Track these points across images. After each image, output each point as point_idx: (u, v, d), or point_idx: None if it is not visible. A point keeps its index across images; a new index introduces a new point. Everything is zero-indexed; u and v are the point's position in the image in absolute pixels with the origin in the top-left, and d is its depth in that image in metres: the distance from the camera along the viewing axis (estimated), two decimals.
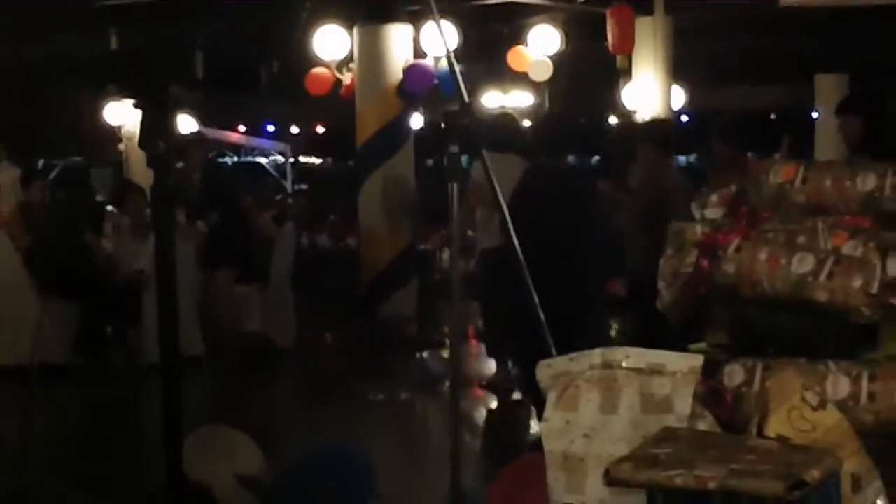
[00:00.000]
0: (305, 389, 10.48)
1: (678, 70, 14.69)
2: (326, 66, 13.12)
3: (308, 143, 27.25)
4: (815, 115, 16.85)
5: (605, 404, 3.08)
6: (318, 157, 29.24)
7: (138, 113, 3.08)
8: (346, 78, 13.21)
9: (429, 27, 12.26)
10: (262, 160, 27.65)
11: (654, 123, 10.54)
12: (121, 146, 16.54)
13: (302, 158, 27.30)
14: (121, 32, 14.91)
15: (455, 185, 6.79)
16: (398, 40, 12.97)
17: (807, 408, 3.03)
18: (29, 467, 7.57)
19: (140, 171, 14.04)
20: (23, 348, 10.41)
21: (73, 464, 7.69)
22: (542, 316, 4.45)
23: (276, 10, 13.35)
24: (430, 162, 18.12)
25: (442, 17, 10.60)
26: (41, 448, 8.13)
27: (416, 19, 12.81)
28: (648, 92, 14.14)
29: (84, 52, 15.31)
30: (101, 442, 8.28)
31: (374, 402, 9.38)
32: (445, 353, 10.04)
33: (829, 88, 16.18)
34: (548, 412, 3.14)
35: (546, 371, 3.19)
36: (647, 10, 14.15)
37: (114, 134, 16.63)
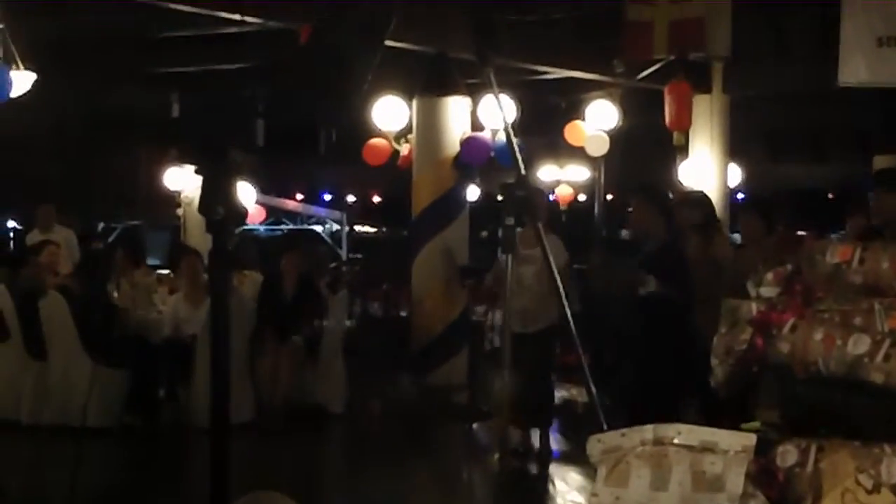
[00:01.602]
0: (354, 455, 10.46)
1: (735, 147, 14.66)
2: (384, 136, 13.23)
3: (363, 212, 27.39)
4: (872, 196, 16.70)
5: (656, 481, 3.05)
6: (372, 225, 29.36)
7: (198, 178, 3.11)
8: (404, 148, 13.30)
9: (487, 100, 12.34)
10: (318, 228, 27.81)
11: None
12: (179, 211, 16.71)
13: (357, 227, 27.43)
14: (182, 97, 15.14)
15: (510, 257, 6.81)
16: (456, 112, 13.05)
17: (861, 491, 2.99)
18: None
19: (197, 237, 14.16)
20: (74, 408, 10.49)
21: None
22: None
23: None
24: (484, 233, 18.15)
25: (500, 90, 10.70)
26: None
27: (474, 92, 12.90)
28: (705, 168, 14.11)
29: (145, 116, 15.54)
30: (150, 500, 8.29)
31: (419, 467, 9.35)
32: (493, 424, 10.00)
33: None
34: (597, 487, 3.12)
35: (597, 446, 3.17)
36: (706, 87, 14.15)
37: (172, 198, 16.80)
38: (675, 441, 3.07)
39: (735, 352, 3.46)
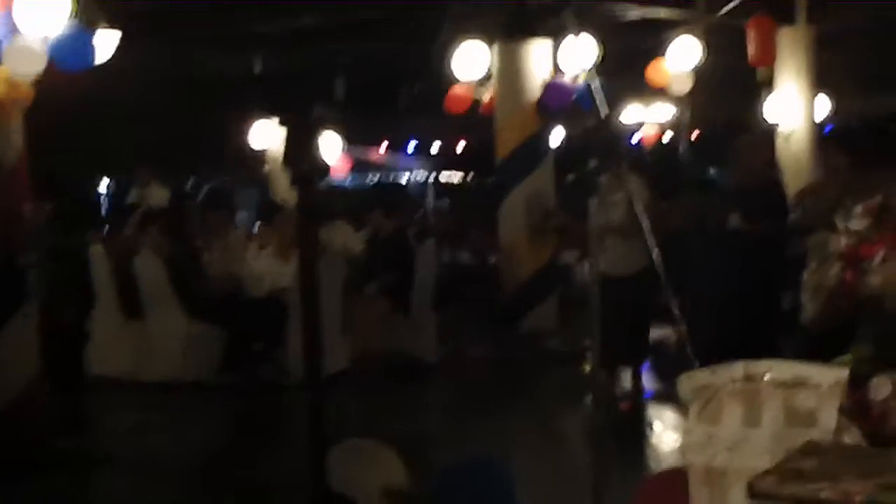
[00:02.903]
0: (447, 404, 10.54)
1: (823, 80, 14.38)
2: (466, 83, 13.21)
3: (448, 160, 27.33)
4: None
5: (748, 417, 3.05)
6: (458, 173, 29.30)
7: (282, 133, 3.14)
8: (486, 95, 13.28)
9: (568, 43, 12.26)
10: (404, 178, 27.83)
11: None
12: (265, 167, 16.85)
13: (442, 176, 27.40)
14: (265, 57, 15.20)
15: (595, 200, 6.78)
16: (537, 57, 13.00)
17: None
18: (179, 480, 7.77)
19: (284, 191, 14.27)
20: (172, 365, 10.68)
21: (222, 477, 7.84)
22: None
23: (416, 29, 13.47)
24: (570, 177, 18.05)
25: (581, 32, 10.64)
26: (190, 461, 8.34)
27: (554, 35, 12.82)
28: (791, 104, 13.88)
29: (230, 75, 15.64)
30: (249, 455, 8.41)
31: (516, 414, 9.39)
32: (587, 367, 10.00)
33: None
34: (690, 425, 3.12)
35: (687, 383, 3.17)
36: (790, 19, 13.88)
37: (259, 155, 16.94)
38: (767, 377, 3.05)
39: (825, 287, 3.43)
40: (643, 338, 10.24)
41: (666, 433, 8.53)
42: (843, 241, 3.46)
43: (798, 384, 3.03)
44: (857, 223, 3.58)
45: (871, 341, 3.48)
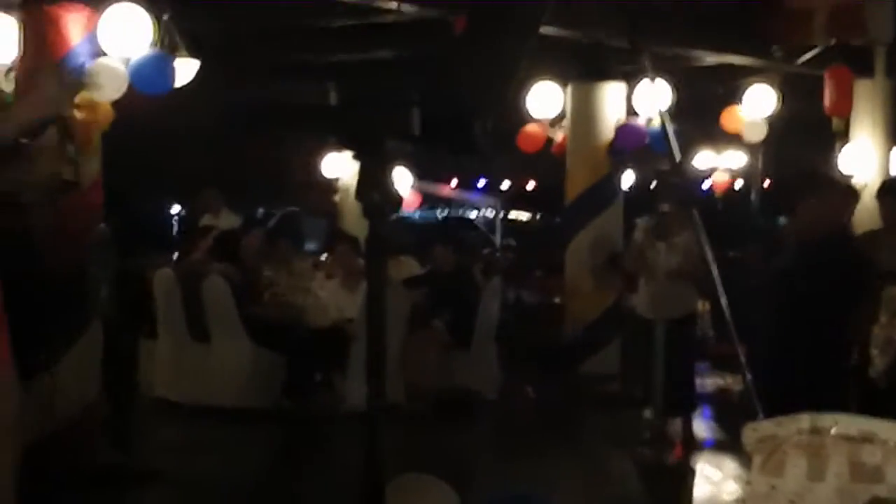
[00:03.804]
0: (503, 442, 10.49)
1: None
2: (539, 122, 13.24)
3: (517, 199, 27.40)
4: None
5: (813, 471, 3.01)
6: (527, 212, 29.37)
7: (355, 165, 3.16)
8: (558, 135, 13.30)
9: (642, 86, 12.26)
10: (473, 214, 27.93)
11: None
12: (336, 197, 16.96)
13: (511, 213, 27.47)
14: (339, 86, 15.33)
15: (665, 244, 6.74)
16: (611, 98, 13.02)
17: None
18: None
19: (353, 223, 14.36)
20: (234, 390, 10.74)
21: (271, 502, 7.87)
22: None
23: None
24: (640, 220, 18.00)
25: (656, 76, 10.64)
26: (241, 486, 8.38)
27: (629, 78, 12.83)
28: (866, 155, 13.76)
29: (304, 104, 15.75)
30: (304, 484, 8.44)
31: (567, 455, 9.35)
32: (647, 413, 9.95)
33: None
34: (753, 476, 3.09)
35: (752, 434, 3.14)
36: (868, 72, 13.80)
37: (330, 186, 17.06)
38: (833, 431, 3.02)
39: (895, 342, 3.38)
40: (691, 383, 10.16)
41: (726, 483, 8.43)
42: None
43: (865, 439, 2.99)
44: None
45: None
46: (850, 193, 8.94)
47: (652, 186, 11.61)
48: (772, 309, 7.77)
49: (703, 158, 19.54)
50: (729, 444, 9.34)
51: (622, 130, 12.87)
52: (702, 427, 10.61)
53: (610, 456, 9.49)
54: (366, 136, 3.23)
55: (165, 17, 9.54)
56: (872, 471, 2.96)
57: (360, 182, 3.20)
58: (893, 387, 3.52)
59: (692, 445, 9.65)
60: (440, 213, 27.49)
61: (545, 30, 10.26)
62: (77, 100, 8.31)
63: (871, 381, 3.51)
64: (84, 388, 8.32)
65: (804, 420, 3.07)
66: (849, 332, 6.92)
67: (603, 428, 10.69)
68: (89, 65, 8.36)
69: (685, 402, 9.85)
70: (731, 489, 8.16)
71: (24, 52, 8.24)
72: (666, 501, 8.21)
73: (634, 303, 10.28)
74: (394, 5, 11.03)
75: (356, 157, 3.20)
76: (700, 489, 8.37)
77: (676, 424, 9.83)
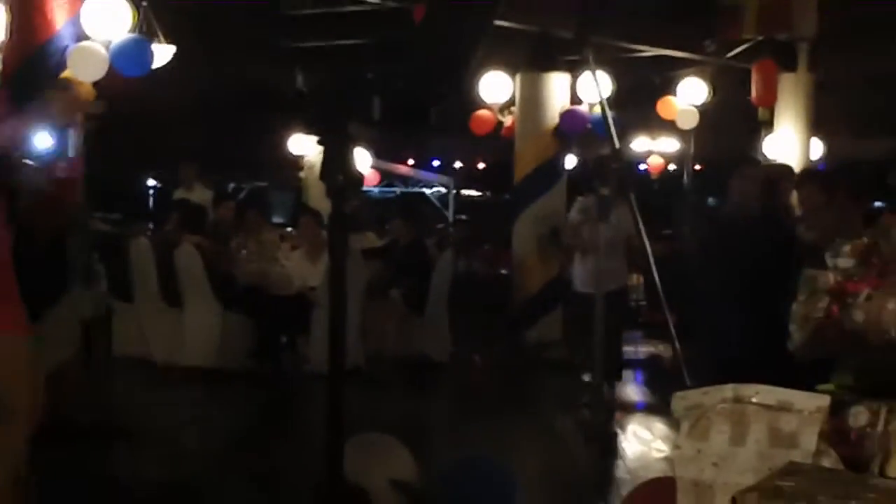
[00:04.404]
0: (456, 403, 10.53)
1: (818, 123, 14.36)
2: (490, 108, 13.24)
3: (469, 177, 27.39)
4: None
5: (735, 436, 3.03)
6: (477, 190, 29.36)
7: (320, 147, 3.15)
8: (507, 119, 13.32)
9: (585, 76, 12.27)
10: (427, 191, 27.90)
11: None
12: (301, 174, 16.88)
13: (463, 191, 27.44)
14: (306, 70, 15.20)
15: (605, 224, 6.75)
16: (556, 87, 13.03)
17: None
18: (196, 458, 7.78)
19: (317, 197, 14.30)
20: (204, 351, 10.71)
21: (241, 459, 7.85)
22: None
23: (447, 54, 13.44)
24: (579, 199, 18.05)
25: (598, 66, 10.65)
26: (211, 442, 8.35)
27: (573, 68, 12.83)
28: (788, 143, 13.86)
29: (273, 87, 15.65)
30: (269, 440, 8.42)
31: (515, 417, 9.36)
32: (586, 377, 9.99)
33: None
34: (680, 440, 3.11)
35: (680, 402, 3.16)
36: (792, 66, 13.88)
37: (296, 162, 16.98)
38: (754, 400, 3.04)
39: (812, 318, 3.41)
40: (620, 352, 10.19)
41: (655, 443, 8.49)
42: (831, 278, 3.44)
43: (782, 408, 3.01)
44: (845, 262, 3.56)
45: (852, 372, 3.46)
46: (784, 175, 8.93)
47: (592, 168, 11.62)
48: (704, 283, 7.83)
49: (640, 143, 19.59)
50: (658, 407, 9.42)
51: (566, 116, 12.88)
52: (634, 391, 10.69)
53: (554, 417, 9.50)
54: (329, 122, 3.22)
55: (144, 3, 9.47)
56: (789, 437, 2.98)
57: (324, 164, 3.18)
58: (808, 360, 3.55)
59: (616, 408, 9.67)
60: (397, 190, 27.41)
61: (496, 21, 10.27)
62: (59, 80, 8.25)
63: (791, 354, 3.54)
64: (60, 347, 8.26)
65: (728, 390, 3.09)
66: (775, 306, 6.98)
67: (547, 391, 10.72)
68: (71, 48, 8.28)
69: (613, 370, 9.87)
70: (661, 448, 8.22)
71: (11, 35, 8.14)
72: (596, 459, 8.23)
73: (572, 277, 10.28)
74: None
75: (320, 141, 3.19)
76: (632, 448, 8.39)
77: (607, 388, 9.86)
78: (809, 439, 2.98)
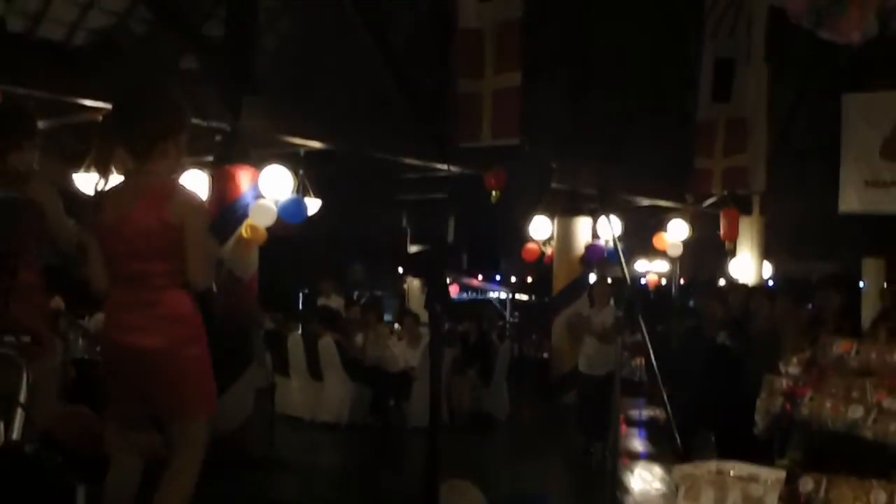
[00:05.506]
0: (512, 449, 10.36)
1: (767, 251, 14.28)
2: (536, 241, 13.28)
3: (521, 288, 27.29)
4: (861, 284, 15.85)
5: (717, 499, 2.97)
6: (527, 296, 29.24)
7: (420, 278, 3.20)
8: (548, 249, 13.32)
9: (602, 220, 12.27)
10: (492, 296, 27.81)
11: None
12: (405, 286, 16.94)
13: (517, 297, 27.35)
14: (409, 218, 15.47)
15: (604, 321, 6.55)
16: (582, 227, 13.06)
17: None
18: (330, 484, 7.72)
19: (415, 301, 14.37)
20: (338, 411, 10.68)
21: (361, 487, 7.77)
22: None
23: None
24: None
25: (610, 213, 10.66)
26: (341, 475, 8.30)
27: (594, 214, 12.84)
28: (746, 266, 13.75)
29: (386, 229, 15.91)
30: (380, 474, 8.34)
31: (551, 461, 9.16)
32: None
33: (873, 268, 15.38)
34: (678, 501, 3.04)
35: (678, 473, 3.10)
36: (748, 211, 13.89)
37: (402, 279, 17.06)
38: (731, 473, 2.98)
39: (771, 412, 3.34)
40: (606, 424, 9.82)
41: (655, 482, 8.24)
42: (784, 382, 3.37)
43: (752, 479, 2.94)
44: (794, 369, 3.49)
45: (801, 451, 3.37)
46: (756, 295, 8.57)
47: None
48: (687, 368, 7.69)
49: (641, 265, 19.41)
50: (657, 456, 9.16)
51: (589, 248, 12.87)
52: (639, 443, 10.43)
53: (578, 463, 9.29)
54: (431, 272, 3.27)
55: (301, 172, 9.69)
56: (757, 501, 2.91)
57: (427, 298, 3.22)
58: (770, 441, 3.46)
59: (619, 455, 9.33)
60: (470, 296, 27.37)
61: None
62: (244, 225, 8.44)
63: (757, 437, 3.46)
64: (243, 408, 8.32)
65: (713, 464, 3.03)
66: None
67: (573, 442, 10.50)
68: (252, 204, 8.48)
69: (607, 434, 9.52)
70: (658, 487, 7.98)
71: (211, 196, 8.37)
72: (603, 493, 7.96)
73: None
74: (445, 167, 11.09)
75: (425, 284, 3.23)
76: (637, 485, 8.17)
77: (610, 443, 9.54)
78: (772, 502, 2.90)
